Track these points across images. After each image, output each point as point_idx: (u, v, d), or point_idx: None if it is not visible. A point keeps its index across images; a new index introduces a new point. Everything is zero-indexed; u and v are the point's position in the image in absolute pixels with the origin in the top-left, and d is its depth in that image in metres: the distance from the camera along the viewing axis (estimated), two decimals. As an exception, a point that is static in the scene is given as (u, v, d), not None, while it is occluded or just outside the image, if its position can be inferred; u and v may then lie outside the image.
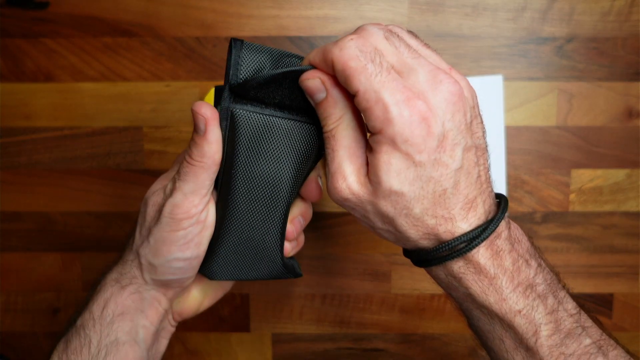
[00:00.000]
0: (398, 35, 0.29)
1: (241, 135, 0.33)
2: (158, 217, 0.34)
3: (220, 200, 0.34)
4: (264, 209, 0.34)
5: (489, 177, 0.31)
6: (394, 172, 0.28)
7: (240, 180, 0.33)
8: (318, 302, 0.55)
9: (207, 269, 0.36)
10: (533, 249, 0.31)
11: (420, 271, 0.54)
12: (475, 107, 0.30)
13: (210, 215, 0.34)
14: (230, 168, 0.33)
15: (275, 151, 0.33)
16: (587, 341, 0.31)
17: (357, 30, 0.30)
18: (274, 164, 0.33)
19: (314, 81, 0.30)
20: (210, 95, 0.49)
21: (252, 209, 0.34)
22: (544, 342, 0.29)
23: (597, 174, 0.53)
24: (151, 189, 0.36)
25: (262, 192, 0.34)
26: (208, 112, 0.32)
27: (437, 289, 0.54)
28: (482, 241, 0.29)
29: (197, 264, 0.35)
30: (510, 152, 0.53)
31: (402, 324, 0.55)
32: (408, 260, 0.56)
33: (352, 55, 0.28)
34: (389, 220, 0.30)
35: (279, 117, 0.33)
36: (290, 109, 0.33)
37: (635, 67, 0.52)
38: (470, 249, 0.29)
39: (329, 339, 0.55)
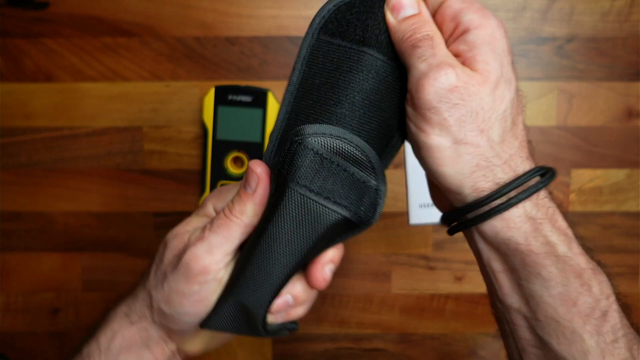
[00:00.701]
0: None
1: (282, 214, 0.30)
2: (176, 264, 0.32)
3: (240, 257, 0.32)
4: (267, 281, 0.32)
5: None
6: (500, 62, 0.27)
7: (262, 251, 0.31)
8: (318, 302, 0.55)
9: (205, 319, 0.34)
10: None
11: (421, 271, 0.54)
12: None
13: (227, 274, 0.32)
14: (260, 233, 0.31)
15: (302, 236, 0.31)
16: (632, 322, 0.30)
17: None
18: (296, 247, 0.31)
19: None
20: (211, 95, 0.49)
21: (258, 278, 0.32)
22: (616, 307, 0.28)
23: (597, 174, 0.53)
24: (173, 232, 0.34)
25: (274, 267, 0.31)
26: (263, 173, 0.30)
27: (437, 289, 0.54)
28: (554, 174, 0.28)
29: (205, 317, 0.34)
30: (510, 152, 0.53)
31: (402, 324, 0.55)
32: (408, 260, 0.56)
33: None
34: (485, 122, 0.27)
35: (326, 207, 0.29)
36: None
37: (635, 67, 0.52)
38: (551, 179, 0.27)
39: (329, 339, 0.55)
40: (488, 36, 0.27)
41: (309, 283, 0.33)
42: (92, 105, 0.52)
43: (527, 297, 0.29)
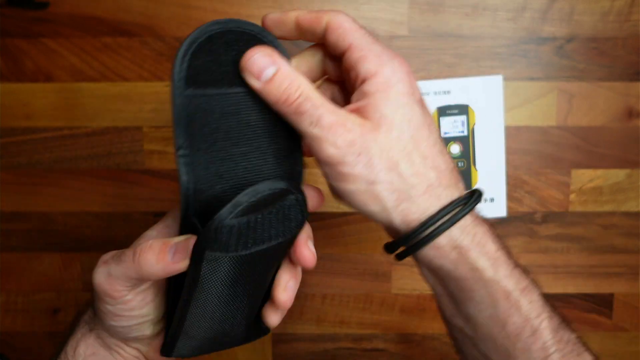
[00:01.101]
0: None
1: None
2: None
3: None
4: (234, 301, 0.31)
5: None
6: (393, 106, 0.28)
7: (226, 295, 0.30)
8: (318, 302, 0.55)
9: (169, 348, 0.33)
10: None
11: (420, 271, 0.54)
12: None
13: (140, 300, 0.31)
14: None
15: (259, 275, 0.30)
16: (573, 335, 0.31)
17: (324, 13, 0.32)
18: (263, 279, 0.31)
19: (261, 58, 0.29)
20: None
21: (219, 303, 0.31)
22: (546, 324, 0.30)
23: (597, 174, 0.53)
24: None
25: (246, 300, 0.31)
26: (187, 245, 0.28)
27: (437, 289, 0.54)
28: (474, 204, 0.29)
29: (146, 326, 0.33)
30: (510, 152, 0.53)
31: (402, 324, 0.55)
32: (408, 260, 0.56)
33: (346, 19, 0.30)
34: (391, 160, 0.28)
35: (264, 249, 0.29)
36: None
37: (635, 67, 0.52)
38: (466, 214, 0.28)
39: (329, 339, 0.55)
40: (381, 84, 0.28)
41: (302, 264, 0.33)
42: (92, 105, 0.52)
43: (467, 318, 0.30)
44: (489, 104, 0.52)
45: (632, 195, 0.53)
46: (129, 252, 0.30)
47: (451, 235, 0.28)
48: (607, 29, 0.51)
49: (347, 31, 0.30)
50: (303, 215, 0.30)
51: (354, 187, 0.28)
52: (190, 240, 0.28)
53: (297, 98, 0.28)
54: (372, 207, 0.29)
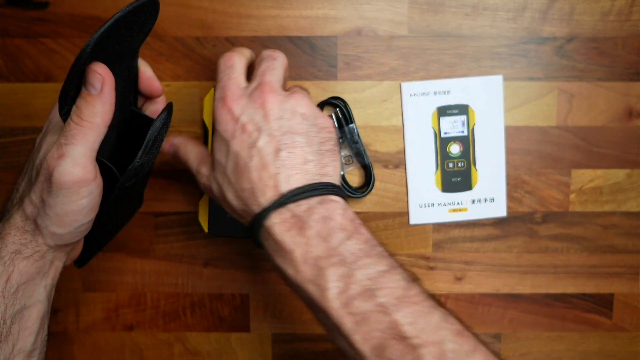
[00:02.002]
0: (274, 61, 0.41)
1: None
2: (49, 188, 0.33)
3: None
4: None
5: (306, 166, 0.36)
6: (216, 147, 0.38)
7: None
8: (318, 302, 0.55)
9: (85, 260, 0.42)
10: (351, 225, 0.34)
11: (421, 271, 0.54)
12: (278, 117, 0.38)
13: (95, 196, 0.35)
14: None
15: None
16: (379, 300, 0.32)
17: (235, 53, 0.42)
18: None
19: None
20: (210, 95, 0.49)
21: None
22: (332, 303, 0.32)
23: (597, 174, 0.53)
24: (35, 152, 0.36)
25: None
26: (105, 72, 0.33)
27: (437, 289, 0.54)
28: (269, 212, 0.35)
29: (83, 227, 0.36)
30: (510, 152, 0.53)
31: (402, 324, 0.55)
32: (408, 261, 0.56)
33: (221, 66, 0.41)
34: (221, 191, 0.38)
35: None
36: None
37: (635, 67, 0.52)
38: (262, 219, 0.35)
39: (329, 339, 0.55)
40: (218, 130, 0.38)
41: (155, 95, 0.42)
42: (92, 105, 0.52)
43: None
44: (489, 104, 0.52)
45: (632, 195, 0.53)
46: (72, 129, 0.32)
47: (262, 231, 0.36)
48: (608, 29, 0.51)
49: (219, 74, 0.40)
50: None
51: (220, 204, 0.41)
52: (93, 65, 0.34)
53: (174, 149, 0.45)
54: (229, 208, 0.40)
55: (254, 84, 0.38)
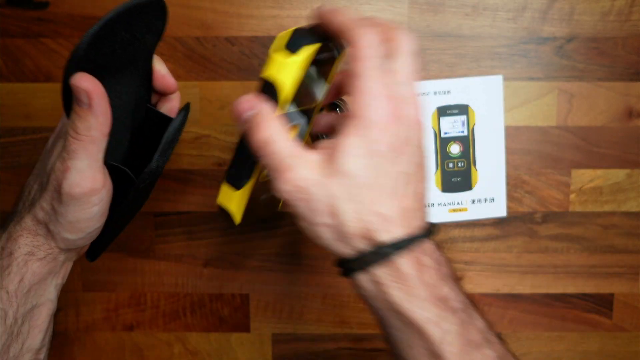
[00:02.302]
0: (416, 59, 0.33)
1: None
2: (59, 198, 0.33)
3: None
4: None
5: (426, 201, 0.33)
6: (353, 153, 0.30)
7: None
8: (318, 302, 0.55)
9: (97, 253, 0.42)
10: (454, 275, 0.33)
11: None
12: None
13: (105, 202, 0.34)
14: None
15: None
16: (490, 353, 0.31)
17: (393, 28, 0.32)
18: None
19: (244, 103, 0.32)
20: (286, 34, 0.36)
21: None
22: (451, 349, 0.30)
23: (597, 174, 0.53)
24: (47, 154, 0.35)
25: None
26: (90, 85, 0.31)
27: (437, 289, 0.54)
28: (409, 244, 0.30)
29: (93, 233, 0.36)
30: (510, 152, 0.53)
31: (402, 324, 0.55)
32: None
33: (369, 42, 0.30)
34: (334, 207, 0.30)
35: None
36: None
37: (635, 67, 0.52)
38: (397, 253, 0.30)
39: (329, 339, 0.55)
40: (353, 129, 0.30)
41: (169, 92, 0.40)
42: (92, 105, 0.52)
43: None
44: (489, 104, 0.52)
45: (632, 195, 0.53)
46: (71, 144, 0.32)
47: (373, 271, 0.31)
48: (608, 29, 0.51)
49: (360, 59, 0.30)
50: None
51: (300, 224, 0.32)
52: (74, 79, 0.32)
53: (262, 137, 0.31)
54: (313, 238, 0.32)
55: (409, 88, 0.31)
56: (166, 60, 0.52)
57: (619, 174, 0.53)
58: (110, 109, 0.32)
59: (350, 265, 0.32)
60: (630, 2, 0.51)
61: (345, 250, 0.31)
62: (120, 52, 0.34)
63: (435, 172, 0.53)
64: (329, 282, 0.54)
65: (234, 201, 0.37)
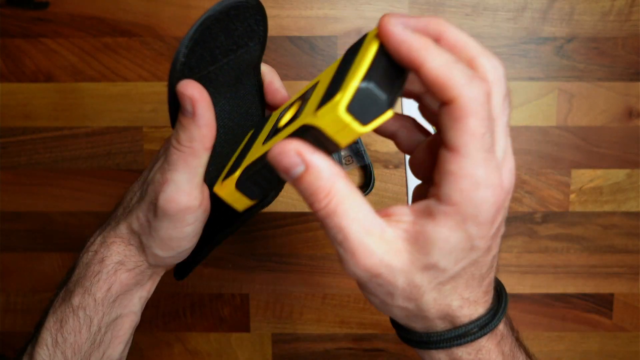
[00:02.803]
0: (509, 100, 0.27)
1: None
2: (154, 211, 0.31)
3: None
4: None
5: None
6: (450, 249, 0.25)
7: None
8: (318, 302, 0.55)
9: (185, 272, 0.39)
10: (520, 336, 0.32)
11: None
12: None
13: (207, 195, 0.32)
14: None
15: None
16: None
17: (486, 67, 0.25)
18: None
19: (289, 155, 0.25)
20: (358, 72, 0.28)
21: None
22: None
23: (597, 174, 0.53)
24: (154, 160, 0.34)
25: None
26: (196, 92, 0.28)
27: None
28: (495, 326, 0.28)
29: (187, 250, 0.35)
30: (510, 152, 0.53)
31: (402, 324, 0.55)
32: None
33: (478, 111, 0.23)
34: (416, 295, 0.26)
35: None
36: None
37: (635, 67, 0.52)
38: (483, 334, 0.28)
39: (329, 339, 0.55)
40: (459, 218, 0.25)
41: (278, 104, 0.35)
42: (92, 105, 0.52)
43: None
44: (489, 104, 0.52)
45: (632, 195, 0.53)
46: (172, 155, 0.30)
47: (453, 350, 0.28)
48: (607, 29, 0.51)
49: (469, 129, 0.23)
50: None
51: (371, 299, 0.28)
52: (180, 86, 0.30)
53: (324, 208, 0.25)
54: (385, 313, 0.29)
55: (503, 140, 0.26)
56: (166, 60, 0.52)
57: (619, 174, 0.53)
58: (215, 121, 0.30)
59: (425, 341, 0.29)
60: (630, 2, 0.51)
61: (419, 326, 0.28)
62: (223, 62, 0.31)
63: (436, 172, 0.52)
64: (329, 282, 0.54)
65: (240, 203, 0.32)
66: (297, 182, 0.25)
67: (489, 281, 0.28)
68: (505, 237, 0.53)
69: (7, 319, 0.55)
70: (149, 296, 0.37)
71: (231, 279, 0.54)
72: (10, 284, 0.55)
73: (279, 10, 0.51)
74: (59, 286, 0.37)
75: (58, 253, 0.54)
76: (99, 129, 0.53)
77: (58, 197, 0.54)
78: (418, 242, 0.25)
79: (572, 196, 0.53)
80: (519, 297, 0.54)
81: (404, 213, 0.26)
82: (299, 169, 0.25)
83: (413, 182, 0.53)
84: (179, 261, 0.35)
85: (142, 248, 0.34)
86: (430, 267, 0.25)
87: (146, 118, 0.53)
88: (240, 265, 0.54)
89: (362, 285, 0.27)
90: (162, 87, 0.52)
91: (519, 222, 0.53)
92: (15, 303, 0.55)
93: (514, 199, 0.53)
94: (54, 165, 0.53)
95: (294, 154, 0.24)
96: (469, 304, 0.27)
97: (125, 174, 0.53)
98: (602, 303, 0.54)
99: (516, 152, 0.53)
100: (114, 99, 0.52)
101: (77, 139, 0.53)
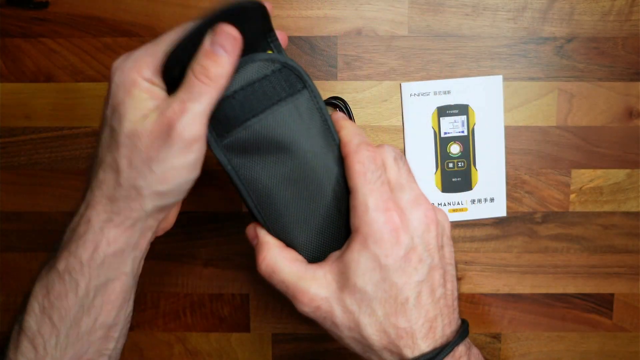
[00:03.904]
0: (405, 161, 0.35)
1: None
2: (161, 143, 0.31)
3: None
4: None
5: (455, 304, 0.34)
6: (362, 270, 0.31)
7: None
8: (318, 302, 0.55)
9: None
10: None
11: (420, 271, 0.54)
12: (448, 236, 0.35)
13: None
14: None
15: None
16: None
17: (378, 146, 0.35)
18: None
19: (249, 230, 0.35)
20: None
21: None
22: None
23: (597, 174, 0.53)
24: (128, 124, 0.32)
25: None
26: (237, 34, 0.32)
27: (437, 289, 0.54)
28: (436, 358, 0.31)
29: (188, 183, 0.34)
30: (510, 152, 0.53)
31: (402, 324, 0.55)
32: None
33: (362, 159, 0.32)
34: (354, 322, 0.32)
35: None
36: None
37: (635, 67, 0.52)
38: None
39: (329, 339, 0.55)
40: (358, 244, 0.33)
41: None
42: (92, 105, 0.52)
43: None
44: (489, 104, 0.52)
45: (632, 195, 0.53)
46: (197, 86, 0.31)
47: None
48: (608, 29, 0.51)
49: (355, 174, 0.32)
50: None
51: (331, 335, 0.34)
52: (222, 26, 0.33)
53: (264, 270, 0.34)
54: (348, 347, 0.34)
55: (407, 193, 0.33)
56: (166, 60, 0.52)
57: (619, 174, 0.53)
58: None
59: None
60: (630, 2, 0.51)
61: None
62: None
63: (435, 172, 0.53)
64: (329, 282, 0.54)
65: None
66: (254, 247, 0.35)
67: (428, 316, 0.31)
68: (505, 237, 0.53)
69: (7, 319, 0.55)
70: (143, 257, 0.36)
71: (231, 279, 0.54)
72: (10, 284, 0.55)
73: (279, 11, 0.51)
74: (48, 257, 0.36)
75: (58, 253, 0.54)
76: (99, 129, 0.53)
77: (58, 197, 0.54)
78: (340, 270, 0.32)
79: (572, 196, 0.53)
80: (519, 297, 0.54)
81: (334, 255, 0.33)
82: (254, 241, 0.35)
83: (413, 182, 0.53)
84: (177, 199, 0.34)
85: (136, 193, 0.32)
86: (353, 290, 0.31)
87: (146, 118, 0.52)
88: (240, 265, 0.54)
89: (318, 324, 0.33)
90: (162, 87, 0.52)
91: (519, 222, 0.53)
92: (15, 303, 0.55)
93: (514, 199, 0.53)
94: (54, 165, 0.53)
95: (250, 230, 0.35)
96: (407, 336, 0.31)
97: (125, 174, 0.53)
98: (602, 303, 0.54)
99: (516, 152, 0.53)
100: (114, 99, 0.52)
101: (77, 139, 0.53)
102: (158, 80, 0.33)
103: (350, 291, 0.31)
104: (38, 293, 0.34)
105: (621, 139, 0.52)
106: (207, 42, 0.32)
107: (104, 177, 0.33)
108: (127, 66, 0.32)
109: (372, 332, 0.32)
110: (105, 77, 0.52)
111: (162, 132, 0.31)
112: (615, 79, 0.52)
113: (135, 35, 0.51)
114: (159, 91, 0.33)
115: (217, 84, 0.31)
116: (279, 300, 0.55)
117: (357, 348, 0.33)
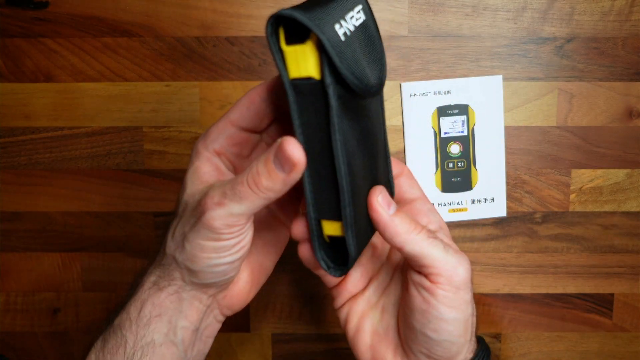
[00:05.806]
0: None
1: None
2: (194, 224, 0.31)
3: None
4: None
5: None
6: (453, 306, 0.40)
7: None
8: (318, 302, 0.55)
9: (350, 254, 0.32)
10: None
11: (420, 271, 0.54)
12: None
13: (248, 232, 0.32)
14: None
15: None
16: None
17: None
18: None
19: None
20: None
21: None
22: None
23: (597, 174, 0.53)
24: (187, 192, 0.33)
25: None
26: (300, 156, 0.28)
27: (437, 289, 0.54)
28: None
29: (240, 264, 0.33)
30: (510, 152, 0.53)
31: (402, 324, 0.55)
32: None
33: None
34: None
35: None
36: None
37: (635, 67, 0.52)
38: None
39: (329, 339, 0.55)
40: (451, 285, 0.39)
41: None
42: (92, 105, 0.52)
43: None
44: (489, 104, 0.52)
45: (632, 195, 0.53)
46: (243, 188, 0.29)
47: None
48: (607, 29, 0.51)
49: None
50: None
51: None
52: (286, 143, 0.28)
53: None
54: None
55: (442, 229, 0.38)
56: (166, 60, 0.52)
57: (619, 174, 0.53)
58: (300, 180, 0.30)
59: None
60: (630, 2, 0.51)
61: None
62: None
63: (435, 172, 0.53)
64: (329, 282, 0.54)
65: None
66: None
67: (472, 329, 0.38)
68: (505, 237, 0.53)
69: (7, 319, 0.55)
70: (196, 329, 0.35)
71: (231, 279, 0.54)
72: (10, 284, 0.55)
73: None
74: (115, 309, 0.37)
75: (58, 253, 0.54)
76: (99, 129, 0.53)
77: (58, 197, 0.54)
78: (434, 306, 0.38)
79: (572, 196, 0.53)
80: (519, 297, 0.54)
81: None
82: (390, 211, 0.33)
83: (413, 182, 0.53)
84: (212, 280, 0.33)
85: (176, 264, 0.33)
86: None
87: (146, 118, 0.53)
88: (240, 265, 0.54)
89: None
90: (162, 87, 0.52)
91: (519, 222, 0.53)
92: (15, 303, 0.55)
93: (514, 199, 0.53)
94: (54, 165, 0.53)
95: (385, 199, 0.33)
96: (462, 347, 0.37)
97: (125, 174, 0.53)
98: (602, 303, 0.54)
99: (516, 152, 0.53)
100: (114, 99, 0.52)
101: (77, 139, 0.53)
102: (229, 152, 0.33)
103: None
104: (97, 345, 0.35)
105: (621, 139, 0.52)
106: (271, 151, 0.29)
107: (163, 242, 0.35)
108: (199, 139, 0.34)
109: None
110: (105, 77, 0.52)
111: (193, 215, 0.31)
112: (615, 79, 0.52)
113: (135, 35, 0.51)
114: (221, 165, 0.33)
115: (264, 196, 0.29)
116: (279, 300, 0.55)
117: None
